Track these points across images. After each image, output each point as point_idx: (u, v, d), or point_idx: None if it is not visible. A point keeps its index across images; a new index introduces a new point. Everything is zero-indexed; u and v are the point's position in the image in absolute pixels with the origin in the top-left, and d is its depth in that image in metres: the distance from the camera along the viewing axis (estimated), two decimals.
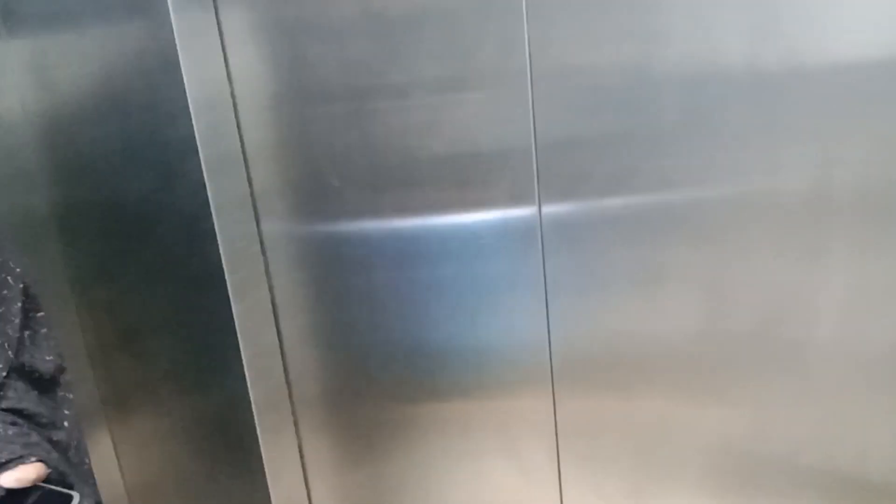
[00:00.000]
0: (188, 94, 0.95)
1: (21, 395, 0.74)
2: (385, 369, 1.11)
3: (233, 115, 1.02)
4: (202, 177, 0.98)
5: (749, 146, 0.91)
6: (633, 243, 0.98)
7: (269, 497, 1.11)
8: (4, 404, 0.71)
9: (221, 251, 1.01)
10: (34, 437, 0.74)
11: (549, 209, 0.99)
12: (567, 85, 0.94)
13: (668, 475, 1.08)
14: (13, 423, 0.72)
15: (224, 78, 1.01)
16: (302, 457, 1.16)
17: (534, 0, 0.91)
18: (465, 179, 1.00)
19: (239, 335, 1.04)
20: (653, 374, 1.03)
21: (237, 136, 1.03)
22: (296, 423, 1.15)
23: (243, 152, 1.03)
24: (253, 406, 1.07)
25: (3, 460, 0.67)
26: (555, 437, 1.09)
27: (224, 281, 1.01)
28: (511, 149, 0.98)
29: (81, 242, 1.09)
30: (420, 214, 1.03)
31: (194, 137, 0.97)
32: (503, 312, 1.05)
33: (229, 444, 1.11)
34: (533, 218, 1.00)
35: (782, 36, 0.86)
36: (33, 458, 0.69)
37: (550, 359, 1.06)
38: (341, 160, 1.03)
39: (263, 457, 1.09)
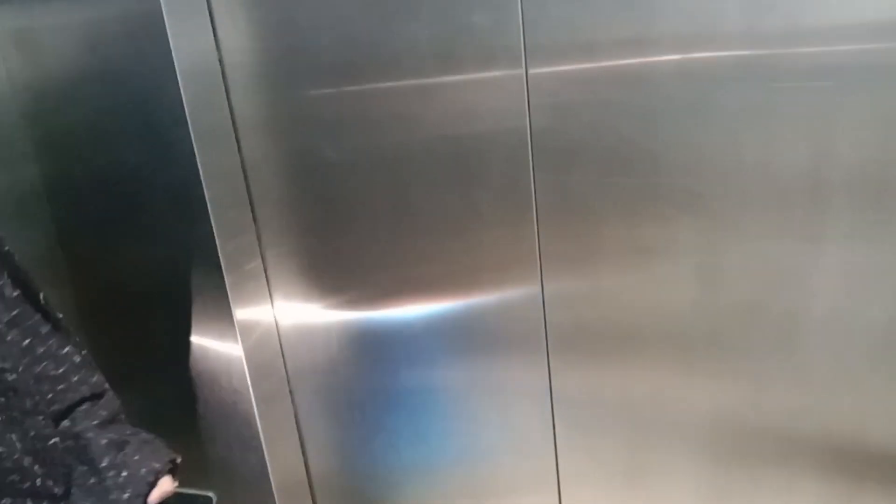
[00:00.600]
0: (176, 63, 0.94)
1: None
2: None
3: (222, 85, 1.01)
4: (192, 147, 0.98)
5: (746, 123, 0.89)
6: (629, 217, 0.97)
7: (266, 466, 1.13)
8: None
9: (213, 221, 1.01)
10: (143, 434, 0.76)
11: (545, 180, 0.98)
12: (562, 59, 0.92)
13: (664, 444, 1.08)
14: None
15: (212, 47, 0.99)
16: (298, 425, 1.18)
17: None
18: (459, 153, 0.99)
19: (231, 305, 1.04)
20: (648, 345, 1.03)
21: (227, 106, 1.02)
22: (291, 393, 1.16)
23: (233, 122, 1.02)
24: (247, 376, 1.08)
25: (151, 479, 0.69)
26: (550, 405, 1.10)
27: (216, 251, 1.02)
28: (505, 125, 0.96)
29: (69, 215, 1.09)
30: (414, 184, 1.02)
31: (183, 107, 0.96)
32: (496, 286, 1.05)
33: (224, 413, 1.12)
34: (527, 189, 0.99)
35: (781, 8, 0.84)
36: (159, 465, 0.71)
37: (546, 328, 1.05)
38: (334, 132, 1.02)
39: (259, 425, 1.11)
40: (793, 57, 0.85)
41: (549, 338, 1.06)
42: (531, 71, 0.93)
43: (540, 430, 1.11)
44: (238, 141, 1.03)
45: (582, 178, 0.97)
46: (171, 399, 1.15)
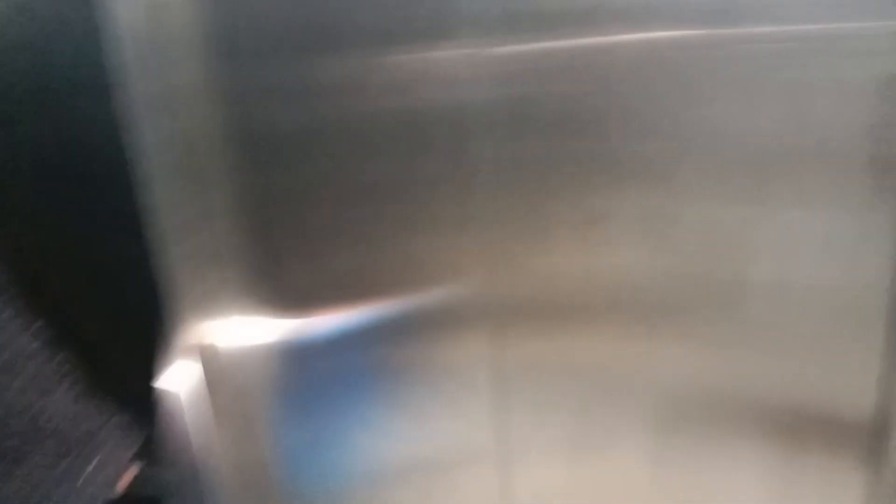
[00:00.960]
0: (109, 28, 0.90)
1: None
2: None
3: (161, 52, 0.97)
4: (128, 117, 0.94)
5: (696, 89, 0.89)
6: (578, 185, 0.96)
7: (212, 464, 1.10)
8: None
9: (153, 195, 0.97)
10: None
11: (491, 148, 0.96)
12: (512, 27, 0.91)
13: (614, 417, 1.09)
14: None
15: (149, 11, 0.95)
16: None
17: None
18: (404, 123, 0.97)
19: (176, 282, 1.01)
20: (597, 315, 1.03)
21: (165, 74, 0.98)
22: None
23: (171, 91, 0.98)
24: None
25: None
26: (498, 380, 1.09)
27: (157, 226, 0.98)
28: (452, 93, 0.95)
29: None
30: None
31: (116, 74, 0.92)
32: (441, 259, 1.04)
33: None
34: (475, 158, 0.97)
35: None
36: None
37: (494, 300, 1.05)
38: (277, 104, 0.99)
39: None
40: (742, 24, 0.86)
41: (496, 310, 1.05)
42: (478, 37, 0.92)
43: (487, 406, 1.11)
44: (176, 110, 0.99)
45: (531, 145, 0.96)
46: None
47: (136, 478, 0.79)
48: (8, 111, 0.99)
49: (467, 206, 1.00)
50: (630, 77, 0.90)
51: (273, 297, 1.10)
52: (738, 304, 0.98)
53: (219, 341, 1.10)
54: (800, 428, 1.04)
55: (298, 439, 1.17)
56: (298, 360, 1.12)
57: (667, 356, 1.03)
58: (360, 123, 0.98)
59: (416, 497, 1.18)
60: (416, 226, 1.02)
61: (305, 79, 0.97)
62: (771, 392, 1.02)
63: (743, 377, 1.02)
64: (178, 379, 1.05)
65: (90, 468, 0.75)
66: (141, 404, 1.05)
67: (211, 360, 1.09)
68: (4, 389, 0.75)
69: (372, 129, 0.98)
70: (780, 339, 0.99)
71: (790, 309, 0.97)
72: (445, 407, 1.13)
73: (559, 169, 0.96)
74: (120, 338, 1.10)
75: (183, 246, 1.02)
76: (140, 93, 0.94)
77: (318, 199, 1.03)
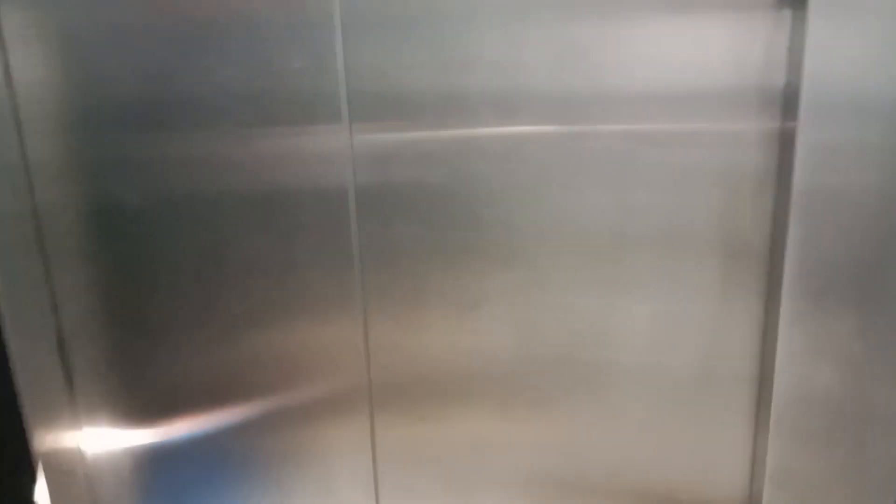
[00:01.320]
0: None
1: None
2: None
3: (13, 124, 0.93)
4: None
5: (558, 182, 0.91)
6: (450, 271, 0.96)
7: None
8: None
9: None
10: None
11: (367, 233, 0.96)
12: (383, 110, 0.92)
13: (486, 498, 1.07)
14: None
15: (3, 83, 0.91)
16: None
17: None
18: (276, 202, 0.95)
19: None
20: (470, 398, 1.02)
21: (18, 145, 0.93)
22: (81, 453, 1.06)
23: (25, 164, 0.94)
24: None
25: None
26: (373, 465, 1.06)
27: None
28: (326, 175, 0.94)
29: None
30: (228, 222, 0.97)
31: None
32: (317, 342, 1.01)
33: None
34: (349, 242, 0.96)
35: (586, 72, 0.87)
36: None
37: (369, 384, 1.02)
38: (137, 176, 0.95)
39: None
40: (599, 122, 0.89)
41: (372, 391, 1.02)
42: (354, 120, 0.92)
43: (362, 491, 1.07)
44: (31, 183, 0.95)
45: (405, 230, 0.96)
46: None
47: None
48: None
49: (343, 290, 0.98)
50: (495, 168, 0.91)
51: (137, 396, 1.04)
52: (602, 388, 0.98)
53: (85, 446, 1.03)
54: None
55: None
56: (168, 458, 1.06)
57: (537, 438, 1.02)
58: (230, 202, 0.96)
59: None
60: (288, 311, 0.99)
61: (169, 155, 0.94)
62: (639, 475, 1.02)
63: (611, 461, 1.02)
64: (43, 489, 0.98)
65: None
66: None
67: (77, 466, 1.02)
68: None
69: (240, 206, 0.96)
70: (645, 421, 0.99)
71: (654, 392, 0.98)
72: (322, 495, 1.08)
73: (433, 255, 0.96)
74: None
75: (35, 332, 0.96)
76: None
77: (184, 280, 0.99)
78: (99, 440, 1.05)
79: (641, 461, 1.02)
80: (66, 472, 1.02)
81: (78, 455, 1.04)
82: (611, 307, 0.95)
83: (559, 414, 1.00)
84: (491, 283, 0.96)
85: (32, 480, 0.97)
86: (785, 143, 0.88)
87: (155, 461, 1.06)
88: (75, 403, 1.03)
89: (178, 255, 0.97)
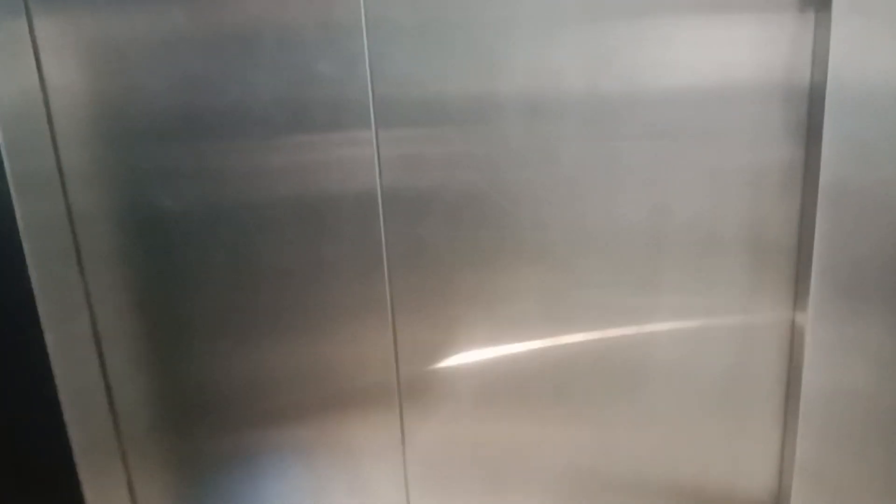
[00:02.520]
0: None
1: None
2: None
3: (47, 130, 0.94)
4: (10, 196, 0.90)
5: (589, 178, 0.92)
6: (479, 270, 0.97)
7: None
8: None
9: (33, 277, 0.92)
10: None
11: (396, 233, 0.97)
12: (411, 113, 0.93)
13: (518, 497, 1.07)
14: None
15: (37, 87, 0.93)
16: (132, 495, 1.08)
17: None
18: (306, 206, 0.97)
19: (53, 367, 0.96)
20: (500, 397, 1.03)
21: (53, 153, 0.95)
22: (123, 458, 1.07)
23: (60, 171, 0.95)
24: (74, 447, 0.99)
25: None
26: (403, 464, 1.07)
27: (36, 310, 0.93)
28: (354, 177, 0.95)
29: None
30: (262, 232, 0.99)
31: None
32: (347, 341, 1.02)
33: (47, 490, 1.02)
34: (378, 243, 0.97)
35: (618, 69, 0.88)
36: None
37: (398, 382, 1.03)
38: (169, 183, 0.96)
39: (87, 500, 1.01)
40: (627, 122, 0.90)
41: (401, 392, 1.03)
42: (380, 125, 0.93)
43: (393, 490, 1.07)
44: (65, 191, 0.96)
45: (433, 232, 0.97)
46: None
47: None
48: None
49: (372, 291, 0.99)
50: (524, 169, 0.92)
51: (170, 398, 1.05)
52: (635, 386, 0.99)
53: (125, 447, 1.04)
54: None
55: None
56: (199, 457, 1.07)
57: (569, 436, 1.03)
58: (259, 208, 0.97)
59: None
60: (319, 312, 1.00)
61: (201, 161, 0.95)
62: (670, 472, 1.03)
63: (642, 458, 1.03)
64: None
65: None
66: None
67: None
68: None
69: (270, 212, 0.97)
70: (676, 419, 1.00)
71: (684, 390, 0.99)
72: (353, 493, 1.09)
73: (462, 256, 0.97)
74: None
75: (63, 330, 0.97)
76: (25, 169, 0.91)
77: (217, 284, 1.00)
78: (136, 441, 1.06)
79: (671, 458, 1.02)
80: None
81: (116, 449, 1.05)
82: (641, 306, 0.96)
83: (590, 412, 1.01)
84: (520, 283, 0.97)
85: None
86: (811, 141, 0.89)
87: (188, 460, 1.07)
88: (115, 411, 1.04)
89: (211, 259, 0.98)
